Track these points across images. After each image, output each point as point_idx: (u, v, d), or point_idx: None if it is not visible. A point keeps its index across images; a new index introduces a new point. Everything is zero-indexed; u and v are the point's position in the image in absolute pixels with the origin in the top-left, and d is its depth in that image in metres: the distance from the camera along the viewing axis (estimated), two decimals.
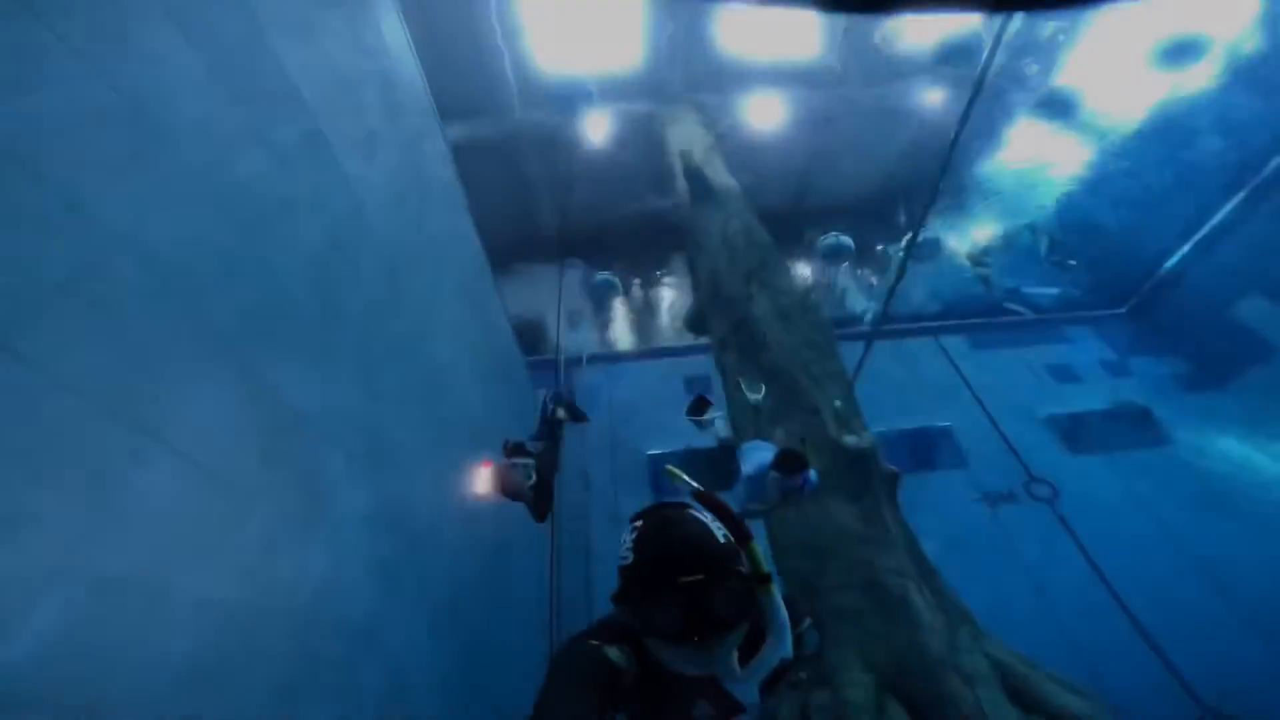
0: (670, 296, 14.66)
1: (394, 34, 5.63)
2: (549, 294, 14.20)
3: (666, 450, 10.56)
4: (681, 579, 1.16)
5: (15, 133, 1.86)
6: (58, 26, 2.05)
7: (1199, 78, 9.90)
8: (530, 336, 12.80)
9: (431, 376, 5.21)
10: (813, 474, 4.05)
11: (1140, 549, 7.99)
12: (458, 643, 4.37)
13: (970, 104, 4.51)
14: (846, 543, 4.56)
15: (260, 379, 2.87)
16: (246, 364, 2.79)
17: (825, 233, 15.32)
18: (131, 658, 1.85)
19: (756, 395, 5.31)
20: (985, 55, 3.26)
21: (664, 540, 1.23)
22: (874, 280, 13.83)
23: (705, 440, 9.79)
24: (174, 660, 1.97)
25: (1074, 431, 9.55)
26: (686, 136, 11.13)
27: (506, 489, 3.84)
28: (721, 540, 1.24)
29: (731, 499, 4.76)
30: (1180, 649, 7.04)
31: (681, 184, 9.42)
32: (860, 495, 4.91)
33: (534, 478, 3.91)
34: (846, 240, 11.27)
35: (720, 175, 9.29)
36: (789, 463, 3.89)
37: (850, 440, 5.19)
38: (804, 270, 14.34)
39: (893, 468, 5.21)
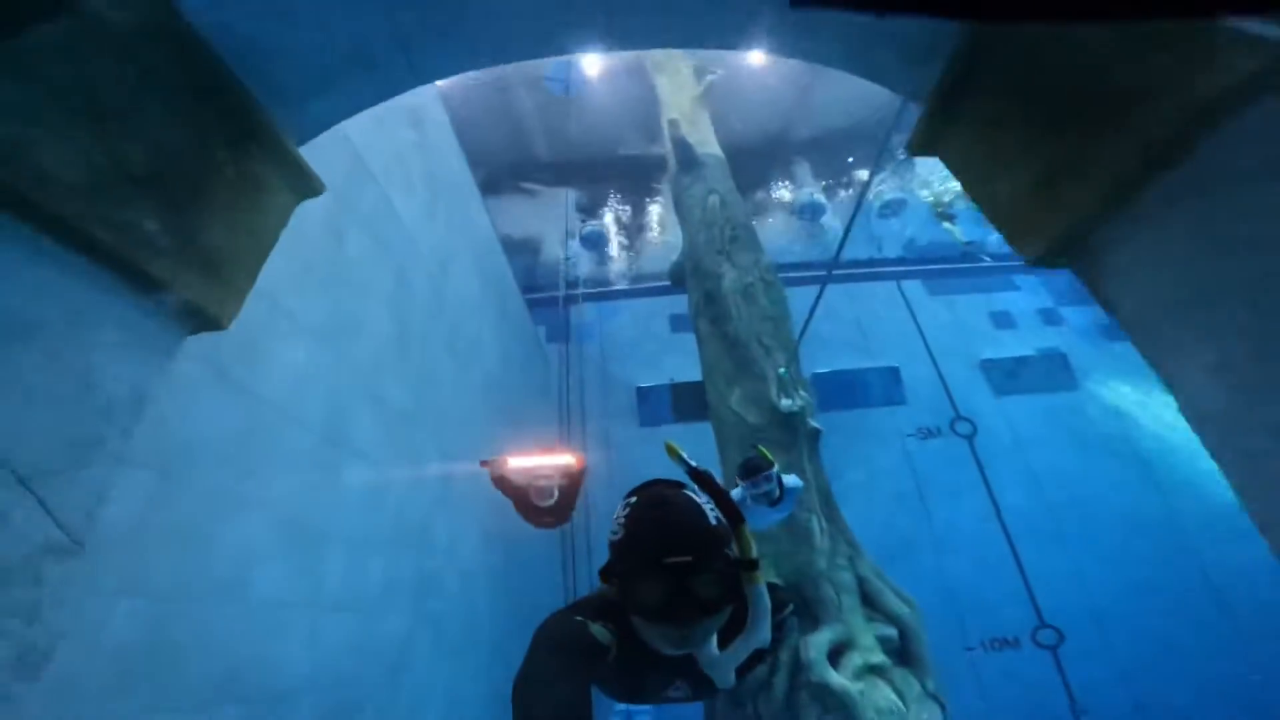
0: (659, 226, 15.99)
1: None
2: (541, 218, 15.57)
3: (653, 383, 12.38)
4: (669, 560, 1.21)
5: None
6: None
7: None
8: (524, 262, 14.26)
9: (466, 353, 6.99)
10: (785, 477, 4.30)
11: (1031, 481, 10.27)
12: (500, 554, 6.50)
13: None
14: None
15: (381, 394, 4.67)
16: (374, 388, 4.59)
17: (813, 166, 16.53)
18: (364, 580, 3.83)
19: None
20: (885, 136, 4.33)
21: (655, 520, 1.27)
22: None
23: (689, 375, 11.54)
24: (377, 579, 3.96)
25: (1000, 374, 11.58)
26: (675, 85, 12.14)
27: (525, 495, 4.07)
28: (713, 523, 1.28)
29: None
30: (1039, 570, 9.48)
31: (669, 148, 10.66)
32: (789, 447, 6.88)
33: (556, 495, 4.09)
34: (820, 199, 12.66)
35: (706, 142, 10.55)
36: (748, 468, 4.20)
37: (785, 403, 7.10)
38: (787, 197, 15.59)
39: (816, 425, 7.17)
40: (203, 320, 1.55)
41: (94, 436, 1.19)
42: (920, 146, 2.16)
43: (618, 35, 2.61)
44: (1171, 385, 1.34)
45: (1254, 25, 1.14)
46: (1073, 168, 1.39)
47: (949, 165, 1.99)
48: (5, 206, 1.08)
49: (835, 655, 5.47)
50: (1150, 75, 1.24)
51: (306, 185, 2.11)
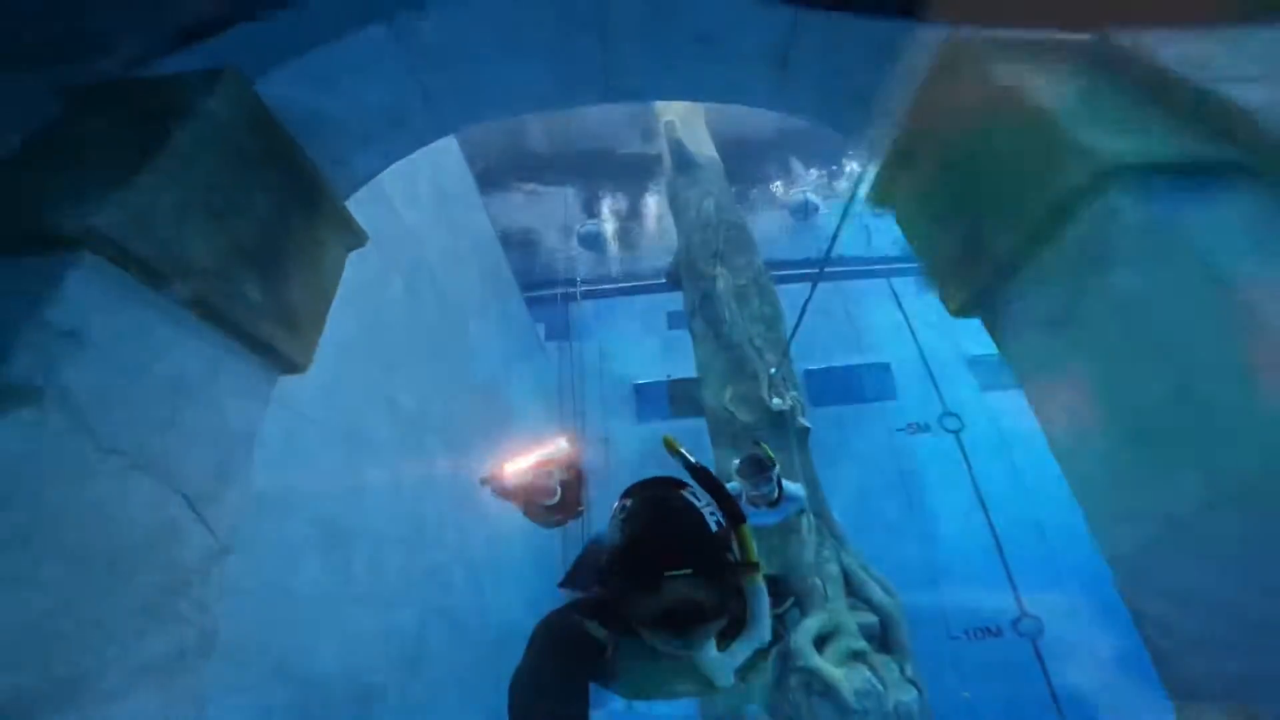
0: (657, 223, 16.32)
1: None
2: (539, 216, 15.89)
3: (650, 380, 12.76)
4: (669, 573, 1.19)
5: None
6: None
7: None
8: (522, 259, 14.57)
9: (470, 354, 7.39)
10: (787, 484, 4.26)
11: (1015, 474, 10.73)
12: (504, 545, 6.93)
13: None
14: None
15: (392, 397, 5.08)
16: (388, 391, 4.99)
17: (807, 161, 16.84)
18: (384, 575, 4.24)
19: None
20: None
21: (653, 528, 1.26)
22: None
23: (686, 372, 11.91)
24: (395, 573, 4.37)
25: (987, 370, 12.00)
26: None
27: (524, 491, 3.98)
28: (713, 529, 1.26)
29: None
30: (1022, 562, 9.95)
31: (665, 150, 11.02)
32: (780, 444, 7.32)
33: (559, 494, 4.03)
34: (814, 199, 13.03)
35: (702, 144, 10.90)
36: (750, 466, 4.15)
37: (776, 403, 7.54)
38: (782, 193, 15.92)
39: (805, 424, 7.60)
40: (288, 366, 1.95)
41: (230, 465, 1.59)
42: (876, 199, 2.56)
43: (616, 92, 3.00)
44: (1039, 418, 1.75)
45: (1090, 137, 1.53)
46: (977, 242, 1.79)
47: (897, 220, 2.39)
48: (167, 292, 1.47)
49: (821, 642, 5.94)
50: (1026, 172, 1.64)
51: (354, 238, 2.50)
